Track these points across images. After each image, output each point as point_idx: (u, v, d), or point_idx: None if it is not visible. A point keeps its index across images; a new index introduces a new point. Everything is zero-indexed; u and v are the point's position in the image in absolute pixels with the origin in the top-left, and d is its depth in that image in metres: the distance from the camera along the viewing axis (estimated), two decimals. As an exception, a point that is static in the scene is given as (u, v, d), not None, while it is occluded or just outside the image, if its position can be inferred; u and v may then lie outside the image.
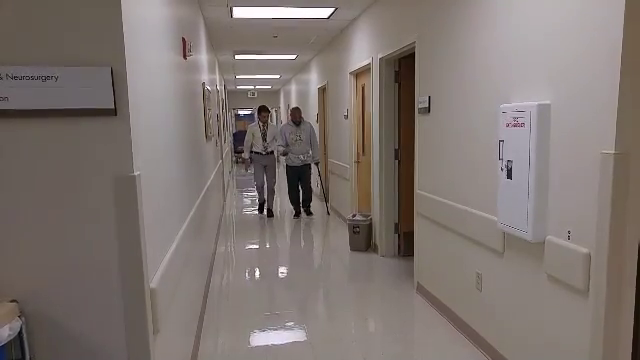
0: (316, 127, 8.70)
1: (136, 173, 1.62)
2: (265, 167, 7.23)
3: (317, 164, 7.18)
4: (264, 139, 7.15)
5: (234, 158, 16.40)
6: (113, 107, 1.57)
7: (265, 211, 7.33)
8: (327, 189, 7.72)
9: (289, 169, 7.03)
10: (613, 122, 1.81)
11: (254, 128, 7.22)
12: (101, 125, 1.58)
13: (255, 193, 7.88)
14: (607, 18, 1.81)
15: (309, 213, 7.24)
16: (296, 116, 6.95)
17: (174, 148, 2.61)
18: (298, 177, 7.01)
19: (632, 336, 1.93)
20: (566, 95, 2.07)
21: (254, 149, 7.18)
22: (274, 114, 23.46)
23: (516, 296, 2.54)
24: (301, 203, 7.21)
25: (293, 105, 11.77)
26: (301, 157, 6.91)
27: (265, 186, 7.30)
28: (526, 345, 2.46)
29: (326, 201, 7.54)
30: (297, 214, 7.20)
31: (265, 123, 7.21)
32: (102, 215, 1.61)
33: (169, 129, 2.48)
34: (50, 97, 1.53)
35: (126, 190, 1.61)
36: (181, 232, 2.55)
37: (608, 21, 1.81)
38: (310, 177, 7.12)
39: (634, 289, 1.90)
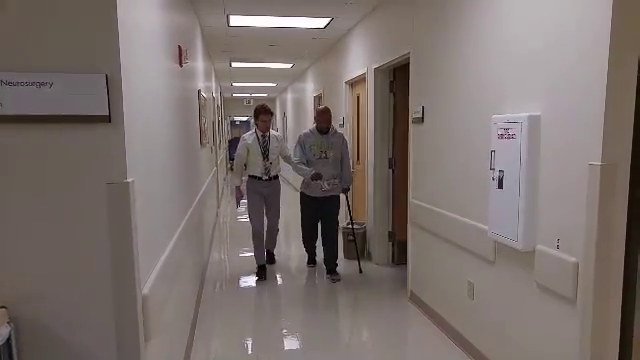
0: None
1: (129, 180, 1.63)
2: (266, 198, 4.69)
3: (346, 191, 4.78)
4: (265, 156, 4.57)
5: (229, 165, 16.40)
6: (107, 114, 1.58)
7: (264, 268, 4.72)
8: (357, 235, 4.99)
9: (306, 201, 4.65)
10: (600, 134, 1.84)
11: (249, 140, 4.59)
12: (95, 132, 1.59)
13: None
14: (595, 34, 1.85)
15: (334, 275, 4.58)
16: (324, 121, 4.46)
17: (168, 155, 2.62)
18: (319, 214, 4.66)
19: (618, 344, 1.95)
20: (556, 107, 2.10)
21: (250, 172, 4.63)
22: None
23: (507, 304, 2.55)
24: (324, 258, 4.77)
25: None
26: (326, 184, 4.45)
27: (265, 224, 4.78)
28: (516, 353, 2.47)
29: (357, 252, 4.83)
30: (312, 261, 5.02)
31: (266, 132, 4.62)
32: (94, 221, 1.61)
33: (164, 136, 2.49)
34: (44, 103, 1.55)
35: (119, 197, 1.61)
36: (174, 239, 2.55)
37: (596, 36, 1.84)
38: (337, 215, 4.71)
39: (620, 297, 1.93)
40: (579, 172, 1.95)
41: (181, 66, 3.35)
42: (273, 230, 4.94)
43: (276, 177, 4.74)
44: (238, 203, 5.11)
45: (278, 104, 16.20)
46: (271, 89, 14.03)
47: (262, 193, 4.64)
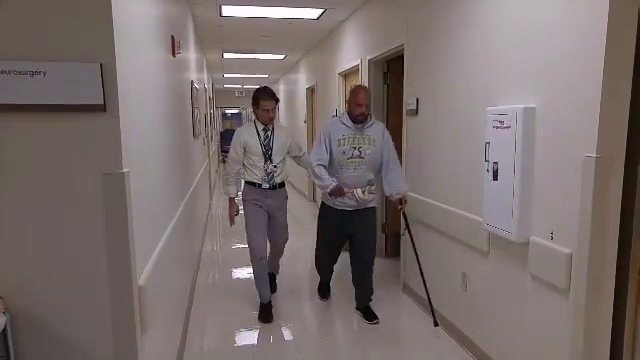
0: (304, 128, 8.72)
1: (125, 170, 1.62)
2: (268, 212, 3.54)
3: (402, 203, 3.32)
4: (267, 158, 3.43)
5: (221, 157, 16.32)
6: (102, 103, 1.56)
7: (268, 310, 3.51)
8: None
9: (329, 215, 3.42)
10: (595, 126, 1.85)
11: (246, 136, 3.46)
12: (90, 121, 1.57)
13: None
14: (591, 26, 1.86)
15: (369, 315, 3.43)
16: (360, 104, 3.19)
17: (163, 146, 2.60)
18: (346, 235, 3.43)
19: (610, 333, 1.98)
20: (551, 99, 2.11)
21: (247, 177, 3.50)
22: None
23: (500, 295, 2.58)
24: (355, 295, 3.53)
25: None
26: (359, 193, 3.19)
27: (267, 246, 3.62)
28: (509, 343, 2.50)
29: (429, 298, 3.26)
30: (325, 291, 3.84)
31: (269, 125, 3.49)
32: (90, 212, 1.60)
33: (158, 126, 2.47)
34: (38, 92, 1.52)
35: (115, 187, 1.60)
36: (169, 230, 2.54)
37: (592, 29, 1.85)
38: (375, 236, 3.49)
39: (613, 288, 1.95)
40: (574, 164, 1.96)
41: (174, 56, 3.31)
42: (278, 254, 3.87)
43: (282, 185, 3.55)
44: (232, 220, 3.70)
45: (270, 96, 16.10)
46: (263, 81, 13.94)
47: (263, 203, 3.49)
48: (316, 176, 3.25)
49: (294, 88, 10.13)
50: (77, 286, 1.62)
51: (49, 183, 1.57)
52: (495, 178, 2.44)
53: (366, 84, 4.80)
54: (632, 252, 1.93)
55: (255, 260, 3.45)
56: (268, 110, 3.43)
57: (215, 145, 12.80)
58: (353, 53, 5.31)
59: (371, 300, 3.53)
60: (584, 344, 1.96)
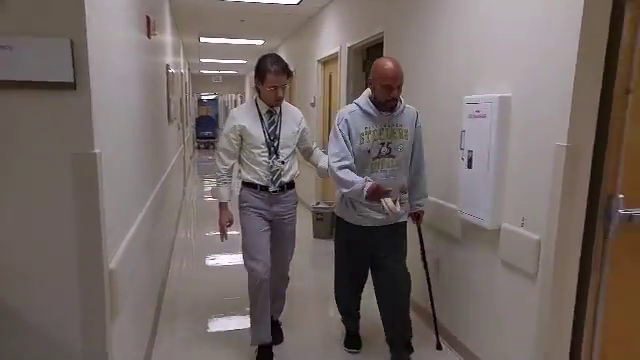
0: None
1: (97, 150, 1.57)
2: (273, 224, 2.70)
3: (418, 216, 2.73)
4: (273, 149, 2.61)
5: (196, 144, 16.12)
6: (72, 81, 1.51)
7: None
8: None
9: (349, 234, 2.61)
10: (567, 117, 1.89)
11: (243, 121, 2.59)
12: (59, 99, 1.52)
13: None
14: (567, 19, 1.89)
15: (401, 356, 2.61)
16: (390, 92, 2.35)
17: (136, 127, 2.54)
18: (371, 257, 2.61)
19: (573, 316, 2.06)
20: (526, 89, 2.14)
21: (245, 177, 2.66)
22: (237, 101, 20.45)
23: (472, 281, 2.63)
24: (388, 338, 2.64)
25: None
26: (389, 204, 2.29)
27: (268, 271, 2.61)
28: (479, 327, 2.57)
29: (435, 319, 2.85)
30: (355, 341, 2.85)
31: (276, 107, 2.64)
32: (59, 193, 1.55)
33: (131, 108, 2.41)
34: (4, 68, 1.46)
35: (86, 168, 1.56)
36: (142, 214, 2.50)
37: (567, 21, 1.88)
38: (404, 258, 2.64)
39: (577, 274, 2.03)
40: (546, 152, 2.01)
41: (149, 38, 3.22)
42: (282, 281, 2.82)
43: (291, 185, 2.70)
44: (223, 233, 2.72)
45: (248, 82, 15.95)
46: (241, 66, 13.77)
47: (266, 212, 2.61)
48: (341, 182, 2.34)
49: (272, 75, 10.01)
50: (45, 269, 1.58)
51: (15, 163, 1.51)
52: (470, 166, 2.48)
53: (345, 71, 4.79)
54: (596, 236, 2.00)
55: (254, 286, 2.55)
56: (276, 88, 2.48)
57: (190, 131, 12.63)
58: (333, 40, 5.29)
59: (408, 340, 2.67)
60: (550, 326, 2.03)
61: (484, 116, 2.33)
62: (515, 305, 2.25)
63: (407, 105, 2.52)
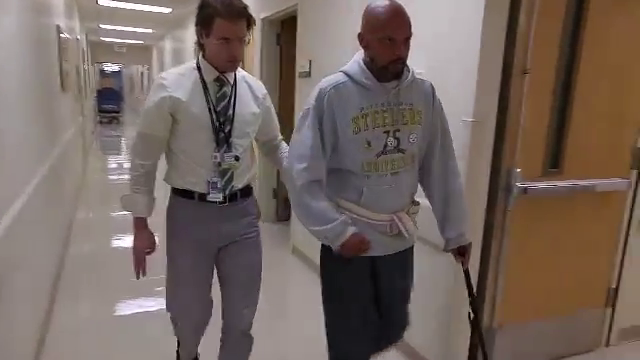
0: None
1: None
2: (222, 252, 1.76)
3: (465, 255, 1.80)
4: (222, 137, 1.66)
5: (98, 118, 14.92)
6: None
7: None
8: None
9: (344, 268, 1.63)
10: (473, 93, 1.98)
11: (180, 89, 1.62)
12: None
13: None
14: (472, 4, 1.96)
15: None
16: (395, 50, 1.51)
17: (19, 91, 2.24)
18: (375, 295, 1.69)
19: (477, 283, 2.20)
20: (437, 66, 2.19)
21: (177, 181, 1.70)
22: (143, 73, 18.78)
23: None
24: None
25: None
26: (405, 221, 1.63)
27: (206, 323, 1.89)
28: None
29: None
30: None
31: (228, 73, 1.69)
32: None
33: (11, 70, 2.11)
34: None
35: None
36: (29, 191, 2.22)
37: (473, 6, 1.96)
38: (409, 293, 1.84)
39: (480, 245, 2.16)
40: (453, 128, 2.08)
41: (34, -8, 2.84)
42: (240, 344, 1.88)
43: (248, 192, 1.84)
44: (139, 266, 1.77)
45: (155, 53, 14.99)
46: (147, 36, 12.88)
47: (212, 240, 1.76)
48: (309, 211, 1.58)
49: (182, 47, 9.50)
50: None
51: None
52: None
53: (259, 44, 4.63)
54: (497, 208, 2.14)
55: (183, 348, 1.93)
56: (229, 41, 1.60)
57: (91, 103, 11.65)
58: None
59: None
60: (456, 295, 2.15)
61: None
62: (429, 279, 2.34)
63: (418, 74, 1.67)
